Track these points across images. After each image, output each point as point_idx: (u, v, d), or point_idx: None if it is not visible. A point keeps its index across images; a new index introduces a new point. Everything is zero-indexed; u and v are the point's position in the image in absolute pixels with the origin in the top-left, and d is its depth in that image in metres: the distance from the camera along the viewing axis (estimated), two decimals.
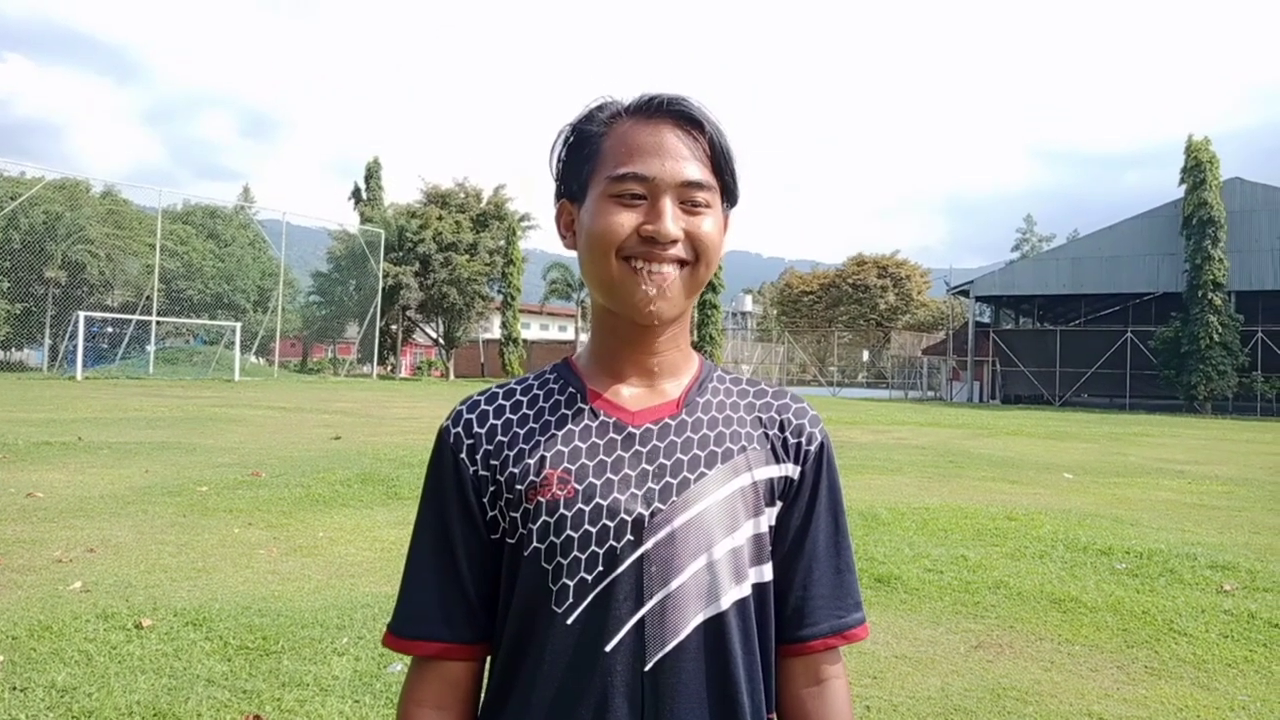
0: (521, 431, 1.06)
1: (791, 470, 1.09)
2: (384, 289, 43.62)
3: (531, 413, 1.08)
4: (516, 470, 1.03)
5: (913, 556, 6.91)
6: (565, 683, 0.98)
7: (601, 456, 1.03)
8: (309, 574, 5.73)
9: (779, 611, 1.08)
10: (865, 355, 65.62)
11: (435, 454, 1.08)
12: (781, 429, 1.10)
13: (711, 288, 48.00)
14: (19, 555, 5.79)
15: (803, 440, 1.10)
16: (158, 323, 35.43)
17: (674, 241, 1.01)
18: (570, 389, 1.09)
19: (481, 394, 1.11)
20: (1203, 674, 4.48)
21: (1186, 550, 7.24)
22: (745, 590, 1.03)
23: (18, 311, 34.76)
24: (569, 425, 1.06)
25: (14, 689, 3.62)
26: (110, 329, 37.92)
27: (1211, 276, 35.11)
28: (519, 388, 1.11)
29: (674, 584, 0.99)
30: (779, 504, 1.08)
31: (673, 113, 1.04)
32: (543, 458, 1.03)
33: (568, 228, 1.10)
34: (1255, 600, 5.81)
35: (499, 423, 1.07)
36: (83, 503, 7.64)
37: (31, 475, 8.91)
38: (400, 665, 4.49)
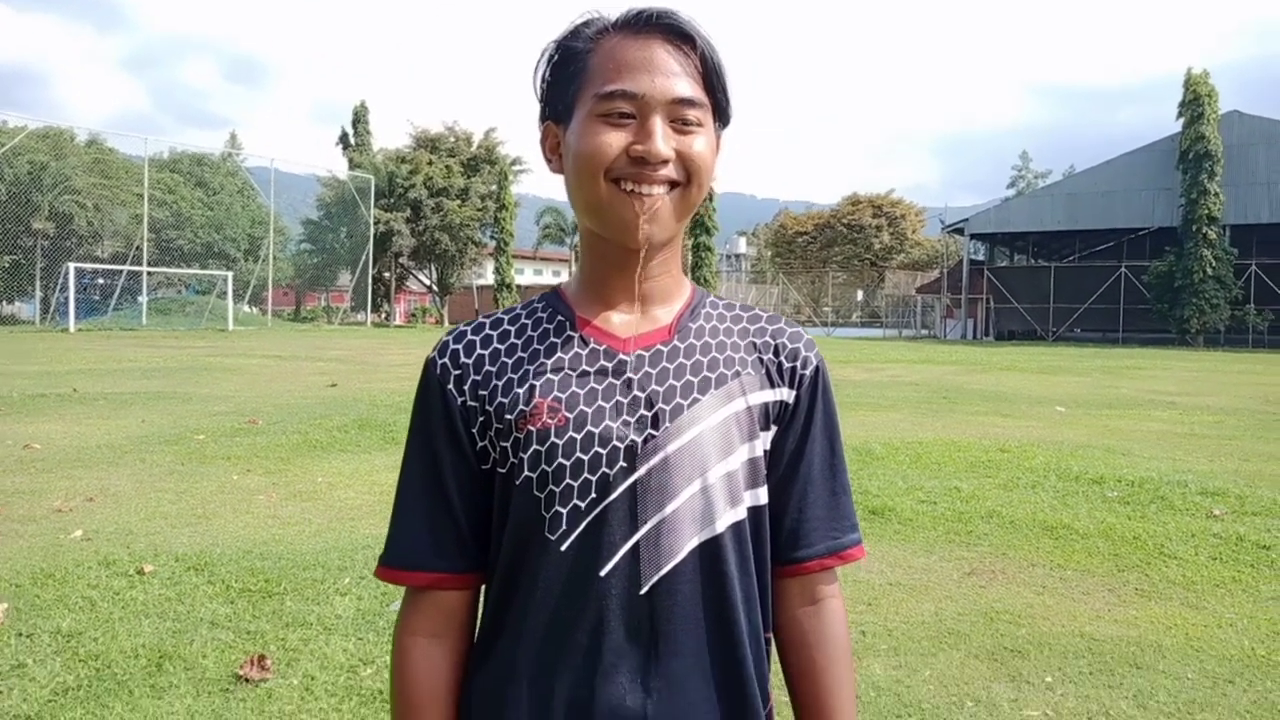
0: (510, 361, 1.04)
1: (786, 395, 1.07)
2: (375, 236, 43.23)
3: (519, 342, 1.06)
4: (505, 400, 1.01)
5: (906, 489, 6.98)
6: (561, 608, 0.98)
7: (592, 384, 1.01)
8: (309, 518, 5.77)
9: (775, 534, 1.08)
10: (860, 295, 65.51)
11: (422, 387, 1.06)
12: (776, 354, 1.09)
13: (705, 229, 47.69)
14: (19, 505, 5.82)
15: (798, 365, 1.09)
16: (149, 273, 35.17)
17: (665, 162, 0.98)
18: (559, 317, 1.07)
19: (468, 325, 1.10)
20: (1192, 594, 4.57)
21: (1177, 478, 7.32)
22: (741, 513, 1.02)
23: (6, 264, 34.46)
24: (558, 354, 1.04)
25: (20, 635, 3.66)
26: (101, 280, 37.62)
27: (1206, 211, 34.99)
28: (506, 318, 1.10)
29: (668, 509, 0.98)
30: (774, 428, 1.07)
31: (662, 27, 1.00)
32: (532, 387, 1.01)
33: (553, 151, 1.06)
34: (1244, 524, 5.89)
35: (486, 353, 1.05)
36: (80, 453, 7.66)
37: (28, 427, 8.92)
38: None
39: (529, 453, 0.99)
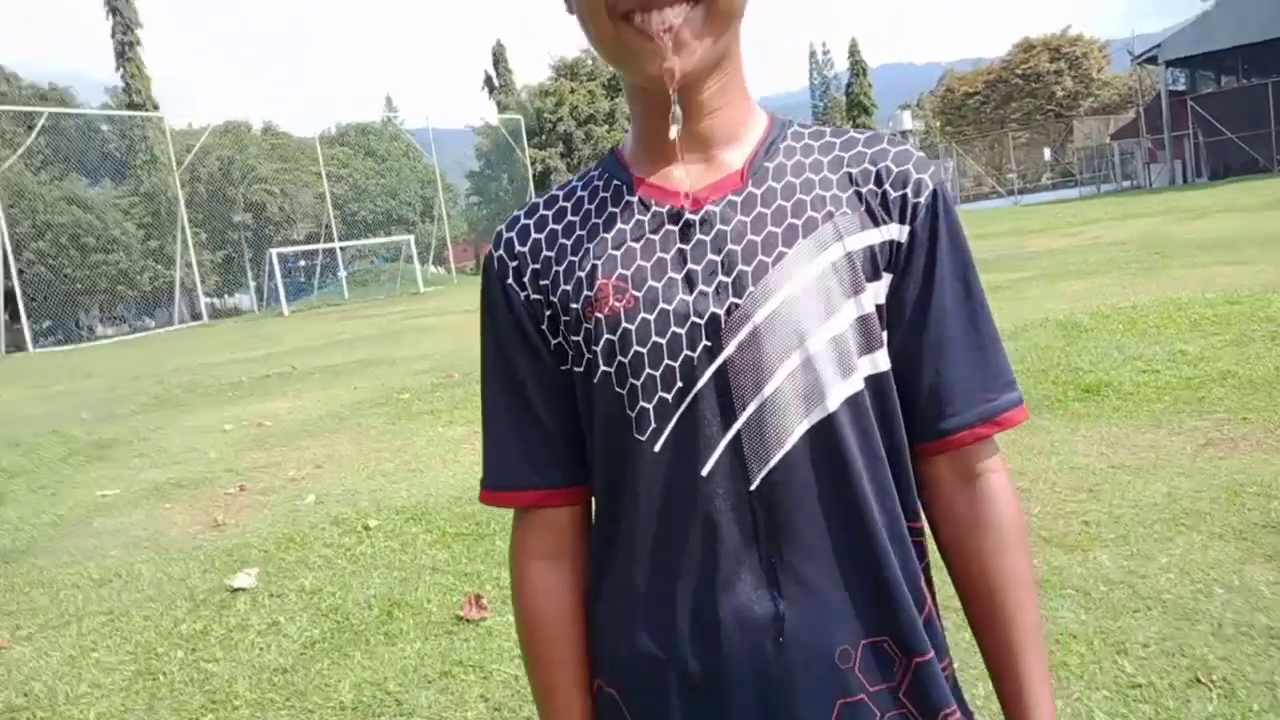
0: (569, 242, 0.91)
1: (897, 232, 0.88)
2: (534, 176, 44.11)
3: (577, 218, 0.93)
4: (569, 287, 0.89)
5: (1123, 360, 6.40)
6: (666, 516, 0.87)
7: (659, 254, 0.87)
8: None
9: (913, 403, 0.91)
10: (1047, 154, 60.42)
11: (483, 286, 0.95)
12: (879, 182, 0.88)
13: (863, 109, 45.43)
14: (260, 479, 6.41)
15: (908, 191, 0.88)
16: (341, 249, 37.66)
17: None
18: (615, 182, 0.93)
19: (523, 207, 0.97)
20: None
21: None
22: (857, 384, 0.86)
23: (219, 260, 37.99)
24: (618, 224, 0.90)
25: (271, 595, 4.04)
26: (303, 262, 40.71)
27: None
28: (562, 193, 0.96)
29: (767, 390, 0.84)
30: (888, 276, 0.89)
31: None
32: (594, 267, 0.88)
33: None
34: None
35: (542, 236, 0.93)
36: (305, 425, 8.35)
37: (259, 406, 9.81)
38: None
39: (602, 344, 0.87)
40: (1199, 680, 2.51)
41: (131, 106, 35.03)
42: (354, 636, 3.49)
